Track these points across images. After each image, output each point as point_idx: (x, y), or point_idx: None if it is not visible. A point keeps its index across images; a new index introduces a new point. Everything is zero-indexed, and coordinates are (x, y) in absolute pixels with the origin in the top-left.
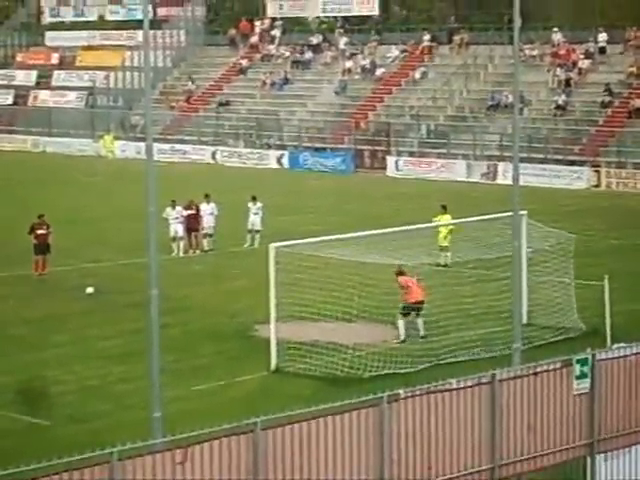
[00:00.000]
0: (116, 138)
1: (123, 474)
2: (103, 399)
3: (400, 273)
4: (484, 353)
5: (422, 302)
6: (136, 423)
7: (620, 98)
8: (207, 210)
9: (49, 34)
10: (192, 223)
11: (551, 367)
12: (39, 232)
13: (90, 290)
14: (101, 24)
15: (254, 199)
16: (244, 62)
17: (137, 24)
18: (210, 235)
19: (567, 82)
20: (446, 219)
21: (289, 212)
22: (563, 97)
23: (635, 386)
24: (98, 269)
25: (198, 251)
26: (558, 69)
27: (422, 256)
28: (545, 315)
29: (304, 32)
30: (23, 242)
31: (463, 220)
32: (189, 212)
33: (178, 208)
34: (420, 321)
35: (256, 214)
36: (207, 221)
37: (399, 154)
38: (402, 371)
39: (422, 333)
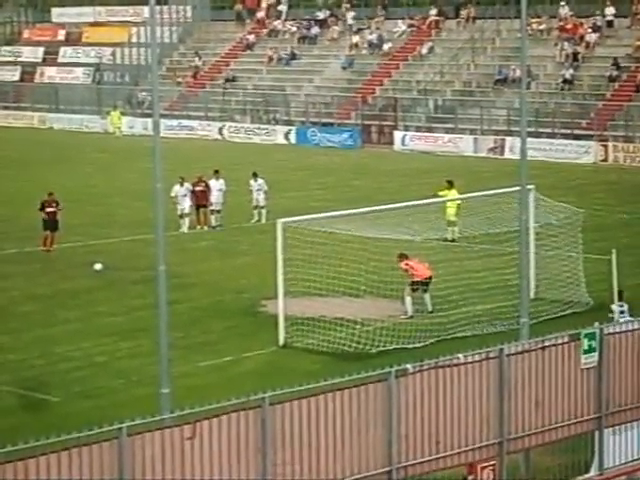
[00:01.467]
0: (123, 114)
1: (132, 450)
2: (111, 375)
3: (401, 258)
4: (492, 327)
5: (430, 278)
6: (144, 399)
7: (627, 72)
8: (216, 186)
9: (55, 10)
10: (201, 199)
11: (559, 341)
12: (48, 209)
13: (98, 267)
14: (107, 0)
15: (255, 176)
16: (251, 37)
17: (143, 0)
18: (218, 211)
19: (574, 56)
20: (452, 194)
21: (296, 188)
22: (570, 71)
23: None
24: (106, 246)
25: (206, 227)
26: (565, 43)
27: (429, 231)
28: (553, 289)
29: (311, 7)
30: (31, 219)
31: (471, 195)
32: (198, 188)
33: (186, 184)
34: (427, 296)
35: (259, 190)
36: (216, 197)
37: (406, 129)
38: (410, 346)
39: (429, 308)
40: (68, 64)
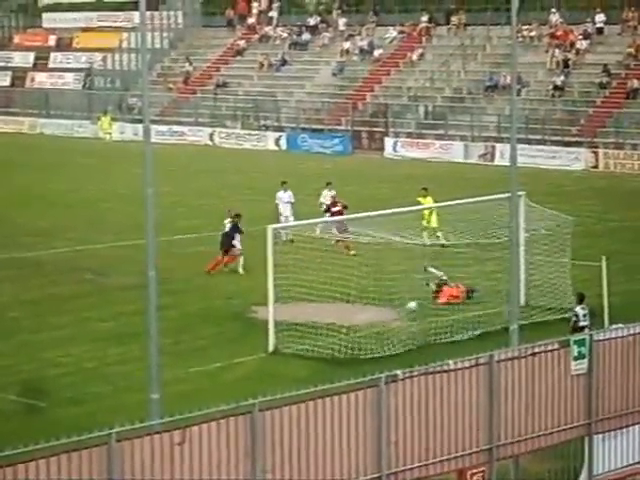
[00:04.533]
0: (113, 120)
1: (121, 456)
2: (101, 381)
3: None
4: (482, 334)
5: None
6: (134, 405)
7: (618, 79)
8: (284, 198)
9: (46, 15)
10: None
11: (549, 348)
12: (334, 209)
13: (413, 305)
14: (98, 5)
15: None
16: (242, 43)
17: (134, 5)
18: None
19: (565, 63)
20: (428, 201)
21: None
22: (561, 78)
23: (632, 367)
24: (96, 251)
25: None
26: (556, 50)
27: (419, 237)
28: (543, 296)
29: (302, 13)
30: (17, 224)
31: (461, 201)
32: (335, 209)
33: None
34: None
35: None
36: (285, 209)
37: (397, 135)
38: (400, 352)
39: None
40: (59, 69)
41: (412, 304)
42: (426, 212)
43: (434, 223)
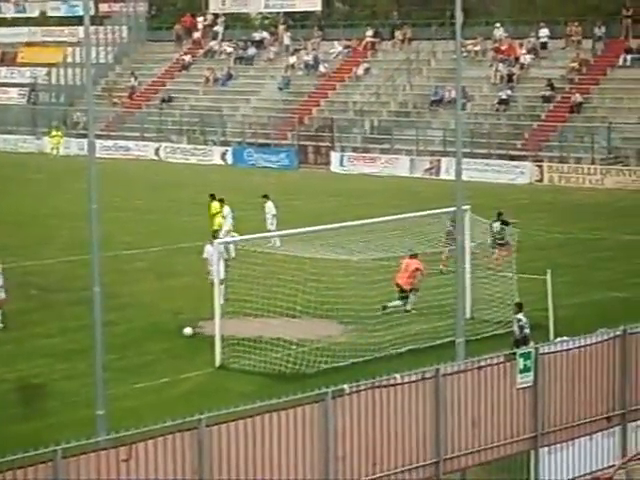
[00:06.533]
0: (62, 135)
1: (67, 472)
2: (47, 397)
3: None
4: (427, 347)
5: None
6: (80, 421)
7: (562, 93)
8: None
9: None
10: None
11: (495, 361)
12: None
13: (188, 331)
14: (43, 20)
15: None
16: (187, 58)
17: (79, 20)
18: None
19: (509, 77)
20: (215, 207)
21: (233, 208)
22: (506, 92)
23: (578, 379)
24: (42, 267)
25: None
26: (500, 64)
27: (366, 251)
28: (488, 309)
29: (247, 28)
30: None
31: (407, 215)
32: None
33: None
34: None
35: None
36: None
37: (343, 150)
38: (346, 365)
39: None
40: (3, 84)
41: (187, 330)
42: (217, 217)
43: (227, 227)
